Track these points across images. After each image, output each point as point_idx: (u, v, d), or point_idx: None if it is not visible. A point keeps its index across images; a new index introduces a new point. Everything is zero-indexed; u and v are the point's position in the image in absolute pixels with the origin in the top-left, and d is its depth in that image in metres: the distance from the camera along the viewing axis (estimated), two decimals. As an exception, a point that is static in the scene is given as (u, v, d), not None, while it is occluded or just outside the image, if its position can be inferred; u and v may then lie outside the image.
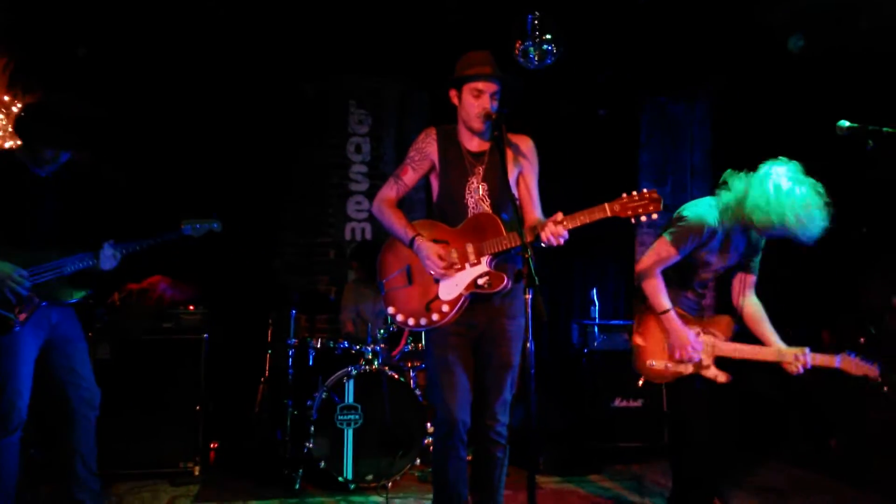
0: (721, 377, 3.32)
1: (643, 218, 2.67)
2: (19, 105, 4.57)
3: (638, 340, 3.44)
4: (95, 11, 4.84)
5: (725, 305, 3.59)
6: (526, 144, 3.09)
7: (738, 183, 3.22)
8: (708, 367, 3.33)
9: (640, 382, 3.50)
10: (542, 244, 2.70)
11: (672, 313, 3.31)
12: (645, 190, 2.69)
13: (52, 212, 3.29)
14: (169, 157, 5.61)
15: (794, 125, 4.83)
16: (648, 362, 3.39)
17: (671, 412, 3.85)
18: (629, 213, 2.68)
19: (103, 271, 3.31)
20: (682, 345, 3.29)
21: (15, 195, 3.19)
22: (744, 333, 3.44)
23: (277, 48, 5.54)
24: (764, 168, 3.18)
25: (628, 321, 5.93)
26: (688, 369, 3.34)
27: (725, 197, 3.25)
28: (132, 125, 5.22)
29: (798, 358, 3.22)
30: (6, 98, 4.61)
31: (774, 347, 3.32)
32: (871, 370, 3.17)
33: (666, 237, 3.32)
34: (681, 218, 3.31)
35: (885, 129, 3.01)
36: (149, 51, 5.32)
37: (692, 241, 3.27)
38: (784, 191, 3.05)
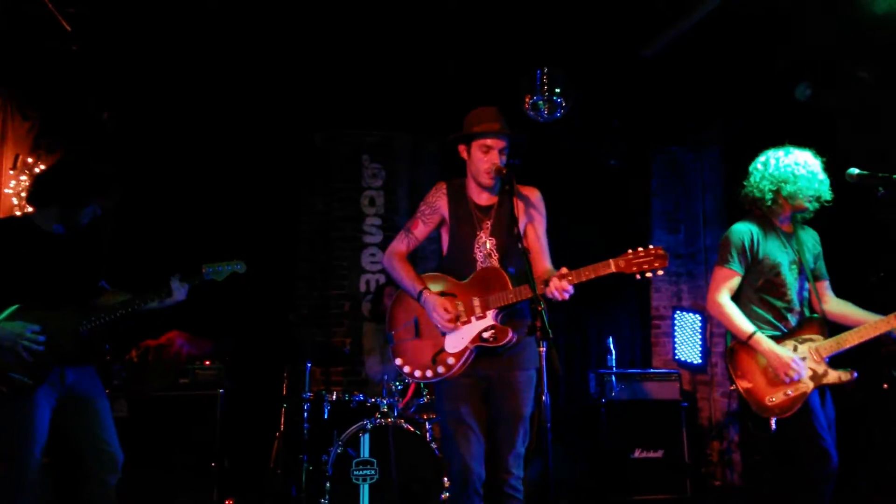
0: (844, 376, 3.13)
1: (648, 274, 2.67)
2: (42, 167, 4.67)
3: (743, 385, 3.20)
4: (116, 69, 4.96)
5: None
6: (535, 196, 3.12)
7: (746, 185, 3.39)
8: (826, 373, 3.14)
9: (773, 425, 3.13)
10: (548, 298, 2.70)
11: (759, 334, 3.17)
12: (651, 246, 2.70)
13: (67, 271, 3.23)
14: (180, 209, 5.66)
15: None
16: (768, 399, 3.14)
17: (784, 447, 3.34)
18: (634, 269, 2.69)
19: (122, 326, 3.25)
20: (782, 363, 3.11)
21: (29, 257, 3.15)
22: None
23: (288, 99, 5.62)
24: (758, 161, 3.41)
25: (646, 370, 5.90)
26: (809, 386, 3.12)
27: (748, 199, 3.37)
28: (142, 180, 5.24)
29: None
30: (29, 160, 4.73)
31: (879, 318, 3.15)
32: None
33: (717, 263, 3.33)
34: (721, 241, 3.36)
35: (895, 175, 3.03)
36: (159, 105, 5.44)
37: (739, 251, 3.27)
38: (791, 156, 3.29)
